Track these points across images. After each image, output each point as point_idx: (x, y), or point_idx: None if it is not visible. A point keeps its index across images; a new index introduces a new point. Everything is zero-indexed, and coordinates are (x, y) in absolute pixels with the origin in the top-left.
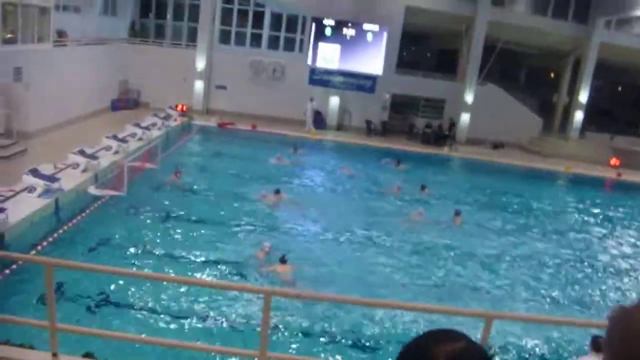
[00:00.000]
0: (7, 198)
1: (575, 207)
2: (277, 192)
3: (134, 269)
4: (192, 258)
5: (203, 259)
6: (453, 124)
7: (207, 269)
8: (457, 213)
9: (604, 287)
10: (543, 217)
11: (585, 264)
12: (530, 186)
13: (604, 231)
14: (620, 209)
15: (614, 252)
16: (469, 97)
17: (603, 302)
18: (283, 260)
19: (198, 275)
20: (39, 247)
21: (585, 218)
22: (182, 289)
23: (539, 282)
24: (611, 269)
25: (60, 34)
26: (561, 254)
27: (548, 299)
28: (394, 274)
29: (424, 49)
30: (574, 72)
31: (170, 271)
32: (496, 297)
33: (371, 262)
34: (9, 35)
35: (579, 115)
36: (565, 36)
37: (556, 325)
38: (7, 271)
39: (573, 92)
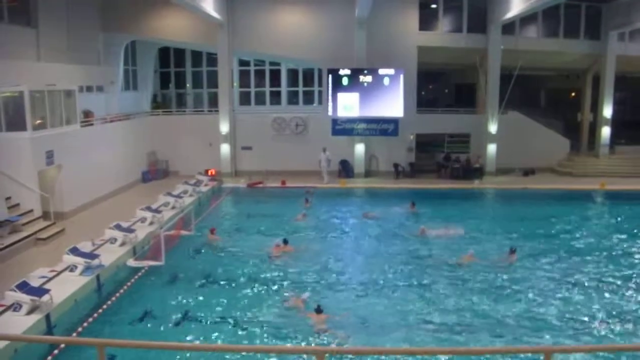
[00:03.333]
0: (50, 279)
1: (622, 224)
2: (286, 241)
3: (182, 339)
4: (236, 319)
5: (245, 318)
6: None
7: (251, 327)
8: (513, 251)
9: None
10: (590, 239)
11: None
12: (569, 208)
13: None
14: None
15: None
16: (492, 128)
17: None
18: (318, 310)
19: (241, 335)
20: (85, 324)
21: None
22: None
23: (602, 307)
24: None
25: (87, 113)
26: (618, 275)
27: (612, 324)
28: (447, 317)
29: (441, 85)
30: (594, 88)
31: (216, 334)
32: (558, 330)
33: (422, 308)
34: (39, 121)
35: (605, 131)
36: (580, 54)
37: (618, 352)
38: (56, 351)
39: (596, 108)
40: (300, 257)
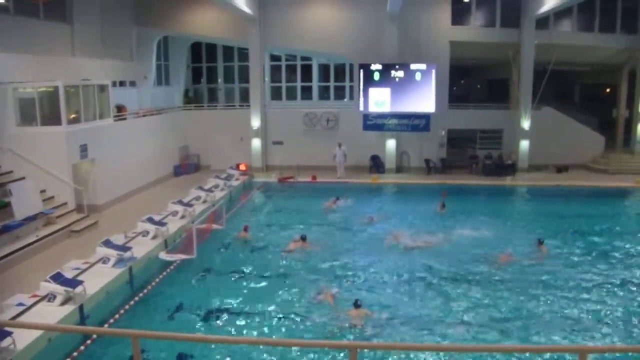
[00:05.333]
0: (84, 270)
1: None
2: (304, 238)
3: (213, 331)
4: (268, 313)
5: (277, 312)
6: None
7: (281, 321)
8: (541, 242)
9: None
10: (624, 237)
11: None
12: (603, 206)
13: None
14: None
15: None
16: (525, 124)
17: None
18: (357, 305)
19: (271, 328)
20: (117, 316)
21: None
22: (263, 348)
23: (631, 308)
24: None
25: (120, 108)
26: None
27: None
28: (483, 314)
29: (473, 80)
30: (630, 84)
31: (247, 327)
32: (590, 329)
33: (456, 305)
34: (73, 116)
35: None
36: (616, 49)
37: None
38: (89, 341)
39: (632, 104)
40: (318, 253)
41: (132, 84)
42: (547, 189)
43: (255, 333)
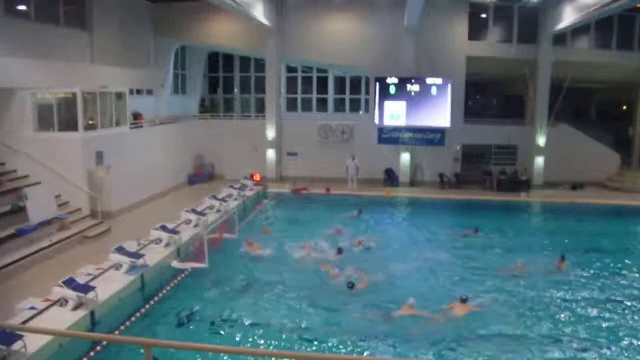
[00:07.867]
0: (96, 276)
1: None
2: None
3: (224, 341)
4: (281, 325)
5: (292, 324)
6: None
7: (299, 334)
8: (563, 258)
9: None
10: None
11: None
12: (618, 224)
13: None
14: None
15: None
16: (540, 140)
17: None
18: (463, 300)
19: (285, 341)
20: (128, 323)
21: None
22: None
23: None
24: None
25: (136, 116)
26: None
27: None
28: (502, 329)
29: (489, 96)
30: None
31: (256, 340)
32: (605, 348)
33: (480, 320)
34: (90, 122)
35: None
36: (633, 67)
37: None
38: (98, 347)
39: None
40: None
41: (149, 92)
42: (561, 206)
43: (270, 345)
